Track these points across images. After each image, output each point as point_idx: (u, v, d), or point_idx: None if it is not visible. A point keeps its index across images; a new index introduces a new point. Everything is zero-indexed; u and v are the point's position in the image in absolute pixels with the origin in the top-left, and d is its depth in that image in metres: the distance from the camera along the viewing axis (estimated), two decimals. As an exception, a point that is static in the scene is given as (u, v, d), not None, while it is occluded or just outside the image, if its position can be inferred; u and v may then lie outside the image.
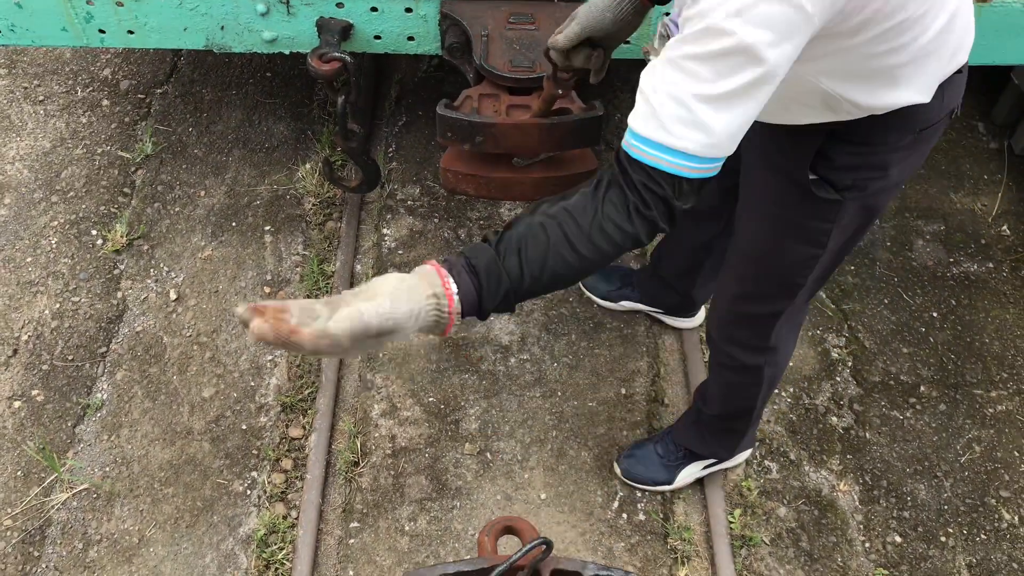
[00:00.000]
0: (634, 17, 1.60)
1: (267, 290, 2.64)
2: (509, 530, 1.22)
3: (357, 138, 2.45)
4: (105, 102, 3.12)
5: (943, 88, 1.42)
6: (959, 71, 1.44)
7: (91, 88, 3.17)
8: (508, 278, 1.17)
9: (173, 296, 2.61)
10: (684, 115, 1.14)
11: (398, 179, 2.93)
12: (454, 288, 1.14)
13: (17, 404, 2.38)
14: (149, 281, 2.65)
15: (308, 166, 2.92)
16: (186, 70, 3.24)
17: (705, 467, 2.25)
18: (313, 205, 2.84)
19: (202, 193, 2.87)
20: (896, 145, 1.47)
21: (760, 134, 1.48)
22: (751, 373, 2.00)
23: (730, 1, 1.09)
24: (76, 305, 2.59)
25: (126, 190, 2.87)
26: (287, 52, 2.48)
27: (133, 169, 2.93)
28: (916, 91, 1.37)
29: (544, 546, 1.14)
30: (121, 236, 2.72)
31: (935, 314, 2.63)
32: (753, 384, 2.04)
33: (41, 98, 3.14)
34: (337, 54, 2.26)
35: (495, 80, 2.17)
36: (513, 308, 1.24)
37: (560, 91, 1.94)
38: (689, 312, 2.56)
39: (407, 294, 1.10)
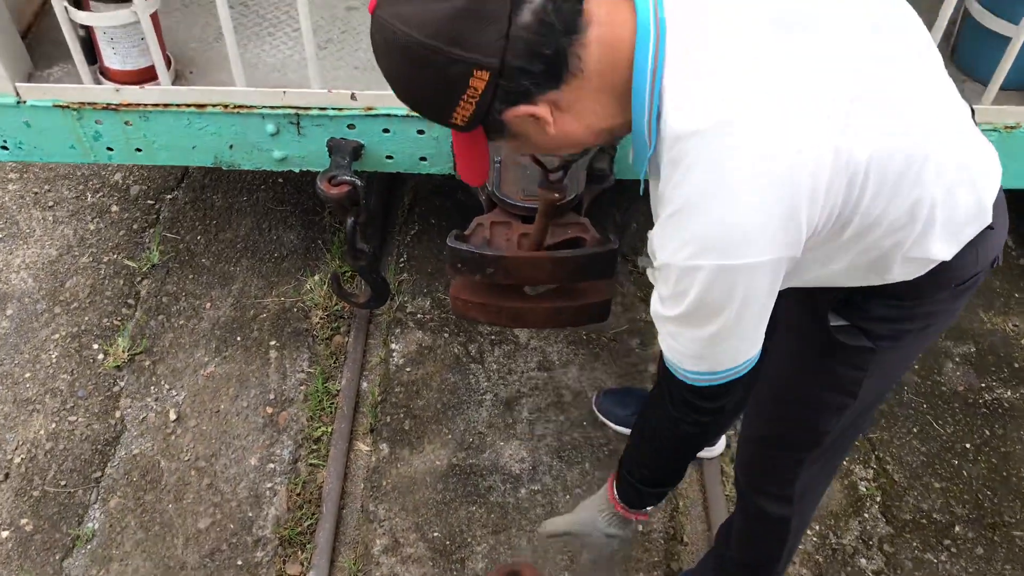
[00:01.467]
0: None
1: (269, 411, 2.55)
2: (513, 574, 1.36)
3: (367, 257, 2.40)
4: (114, 208, 3.09)
5: (975, 245, 1.33)
6: (990, 227, 1.35)
7: (101, 193, 3.15)
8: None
9: (173, 416, 2.52)
10: (709, 350, 1.22)
11: (408, 291, 2.86)
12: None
13: (5, 534, 2.28)
14: (149, 399, 2.57)
15: (317, 278, 2.86)
16: (197, 175, 3.22)
17: None
18: (320, 319, 2.76)
19: (208, 305, 2.80)
20: (934, 299, 1.38)
21: None
22: (777, 524, 1.88)
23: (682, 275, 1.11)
24: (73, 425, 2.50)
25: (130, 301, 2.82)
26: (297, 170, 2.44)
27: (139, 279, 2.87)
28: (943, 251, 1.28)
29: None
30: (123, 351, 2.65)
31: (968, 445, 2.50)
32: (779, 535, 1.91)
33: (51, 203, 3.12)
34: (347, 178, 2.21)
35: (507, 208, 2.11)
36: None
37: (557, 194, 1.87)
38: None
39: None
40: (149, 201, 3.13)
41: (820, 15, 1.15)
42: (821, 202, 1.08)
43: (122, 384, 2.60)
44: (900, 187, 1.14)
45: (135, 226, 3.04)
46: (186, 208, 3.10)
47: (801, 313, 1.50)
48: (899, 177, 1.13)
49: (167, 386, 2.60)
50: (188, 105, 2.27)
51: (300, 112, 2.27)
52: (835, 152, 1.06)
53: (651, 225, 1.19)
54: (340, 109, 2.27)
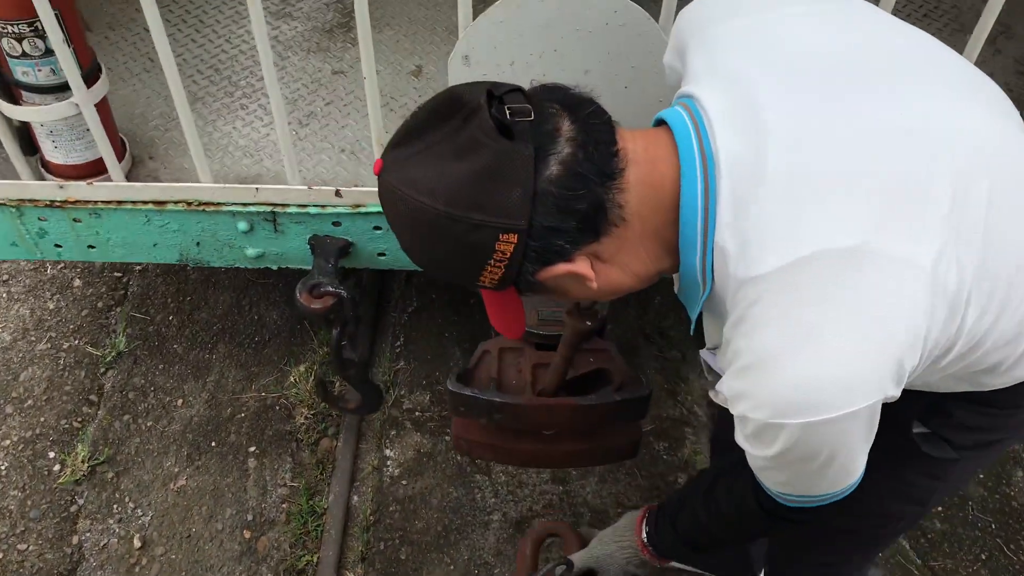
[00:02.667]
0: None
1: (247, 534, 2.24)
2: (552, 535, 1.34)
3: (355, 366, 2.08)
4: (77, 282, 2.77)
5: None
6: None
7: (62, 264, 2.82)
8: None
9: (138, 544, 2.21)
10: (802, 483, 1.08)
11: (405, 382, 2.55)
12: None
13: None
14: (111, 521, 2.26)
15: (302, 368, 2.54)
16: (170, 241, 2.89)
17: None
18: (306, 419, 2.45)
19: (180, 402, 2.49)
20: None
21: None
22: None
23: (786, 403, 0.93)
24: (23, 555, 2.19)
25: (92, 397, 2.50)
26: (275, 267, 2.12)
27: (102, 369, 2.56)
28: None
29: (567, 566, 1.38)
30: (82, 460, 2.34)
31: (1045, 577, 2.19)
32: None
33: (5, 277, 2.80)
34: (331, 289, 1.89)
35: (520, 334, 1.79)
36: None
37: (588, 323, 1.56)
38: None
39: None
40: (116, 273, 2.80)
41: (905, 69, 1.00)
42: (922, 340, 0.92)
43: (81, 502, 2.29)
44: (1009, 301, 0.97)
45: (100, 304, 2.72)
46: (157, 282, 2.78)
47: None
48: (1009, 288, 0.96)
49: (132, 504, 2.29)
50: (145, 202, 1.94)
51: (276, 210, 1.94)
52: (932, 279, 0.90)
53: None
54: (323, 207, 1.94)
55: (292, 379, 2.52)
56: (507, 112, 0.93)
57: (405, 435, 2.43)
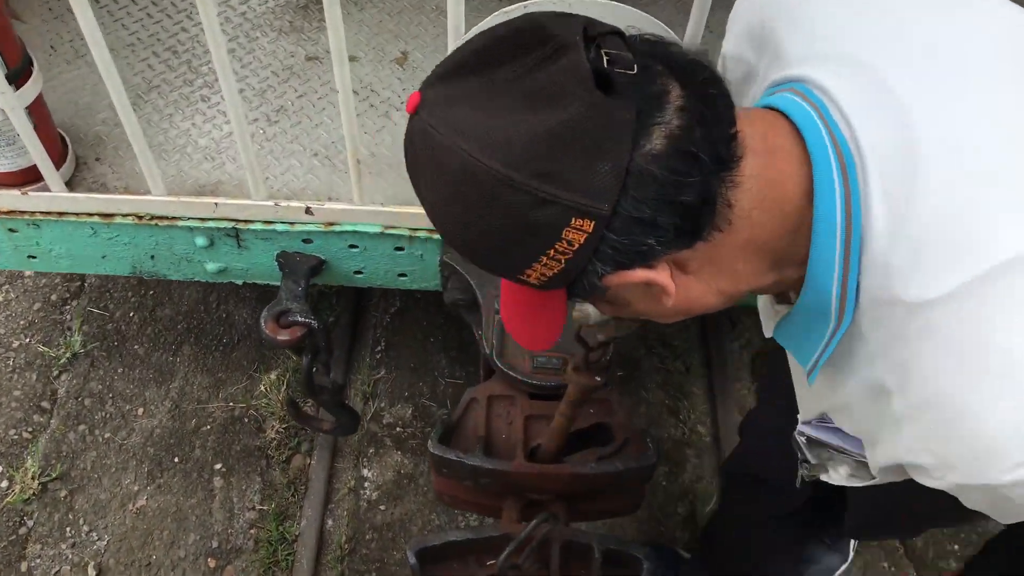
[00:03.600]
0: None
1: (212, 563, 2.07)
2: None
3: (329, 391, 1.88)
4: (28, 271, 2.54)
5: None
6: None
7: (14, 250, 2.59)
8: None
9: (92, 572, 2.04)
10: None
11: (386, 394, 2.35)
12: None
13: None
14: (64, 547, 2.08)
15: (273, 377, 2.34)
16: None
17: None
18: (277, 433, 2.26)
19: (140, 411, 2.29)
20: None
21: None
22: None
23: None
24: (-34, 586, 2.03)
25: (45, 404, 2.30)
26: (240, 283, 1.90)
27: (56, 373, 2.35)
28: None
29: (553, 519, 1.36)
30: (32, 476, 2.15)
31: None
32: None
33: (-49, 264, 2.57)
34: (300, 319, 1.68)
35: (512, 382, 1.59)
36: None
37: (599, 378, 1.37)
38: None
39: None
40: (72, 261, 2.58)
41: None
42: None
43: (30, 524, 2.11)
44: None
45: (53, 297, 2.49)
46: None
47: None
48: None
49: (87, 527, 2.11)
50: (90, 214, 1.72)
51: (239, 226, 1.72)
52: None
53: None
54: (292, 224, 1.72)
55: (262, 388, 2.32)
56: (606, 59, 0.71)
57: (385, 453, 2.25)
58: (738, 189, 0.76)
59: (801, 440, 0.96)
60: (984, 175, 0.74)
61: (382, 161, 1.80)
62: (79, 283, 2.52)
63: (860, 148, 0.75)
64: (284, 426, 2.27)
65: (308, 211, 1.68)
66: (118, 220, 1.71)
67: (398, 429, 2.30)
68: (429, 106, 0.73)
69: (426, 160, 0.75)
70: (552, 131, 0.69)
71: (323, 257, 1.79)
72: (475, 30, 0.82)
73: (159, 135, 1.83)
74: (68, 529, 2.11)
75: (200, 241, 1.75)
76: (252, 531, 2.12)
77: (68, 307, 2.48)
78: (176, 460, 2.22)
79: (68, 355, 2.37)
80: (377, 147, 1.82)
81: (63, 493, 2.16)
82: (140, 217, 1.71)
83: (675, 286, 0.79)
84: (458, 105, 0.72)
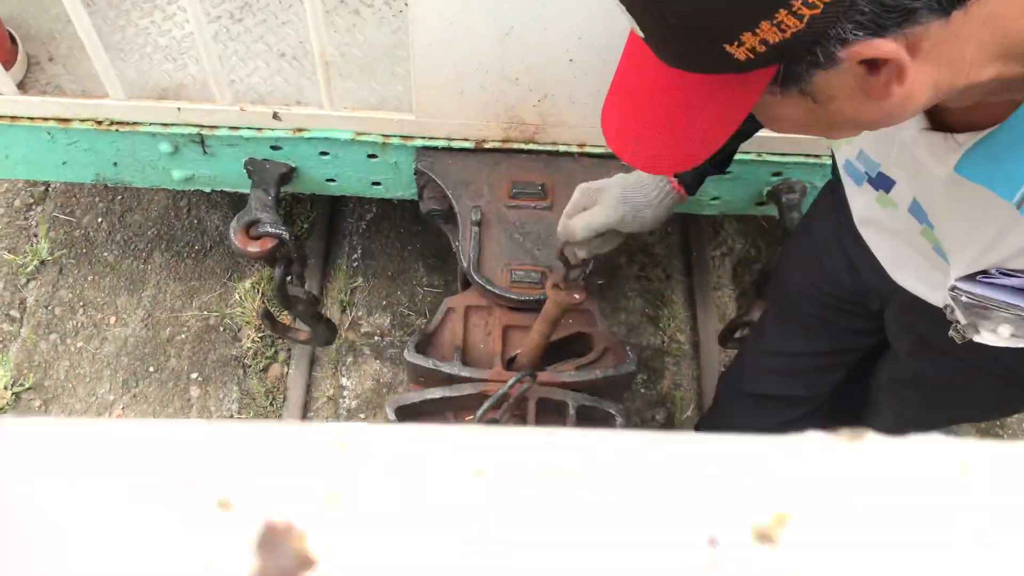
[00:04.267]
0: (670, 211, 1.29)
1: (192, 472, 2.08)
2: None
3: (303, 302, 1.85)
4: (-10, 176, 2.45)
5: None
6: None
7: (-27, 153, 2.49)
8: None
9: (70, 481, 2.04)
10: None
11: (364, 303, 2.32)
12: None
13: None
14: (40, 455, 2.08)
15: (248, 285, 2.30)
16: (96, 127, 2.55)
17: None
18: (253, 342, 2.23)
19: (112, 319, 2.25)
20: None
21: None
22: None
23: None
24: (-56, 493, 2.02)
25: (13, 312, 2.25)
26: (208, 190, 1.83)
27: (23, 281, 2.30)
28: None
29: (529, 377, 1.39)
30: (5, 387, 2.13)
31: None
32: None
33: (-93, 167, 2.46)
34: (271, 230, 1.63)
35: (489, 295, 1.56)
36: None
37: (577, 296, 1.36)
38: None
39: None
40: (35, 164, 2.48)
41: None
42: None
43: (6, 433, 2.10)
44: None
45: (17, 202, 2.41)
46: (82, 176, 2.46)
47: None
48: None
49: (63, 436, 2.10)
50: (45, 119, 1.63)
51: (204, 131, 1.64)
52: None
53: None
54: (259, 129, 1.64)
55: (237, 296, 2.28)
56: None
57: (364, 362, 2.24)
58: None
59: (959, 298, 0.90)
60: None
61: (353, 62, 1.71)
62: (43, 188, 2.43)
63: None
64: (260, 335, 2.24)
65: (275, 116, 1.61)
66: (76, 125, 1.63)
67: (376, 338, 2.28)
68: None
69: None
70: None
71: (293, 164, 1.72)
72: None
73: (115, 33, 1.73)
74: (44, 438, 2.10)
75: (164, 148, 1.67)
76: (231, 439, 2.12)
77: (33, 213, 2.40)
78: (151, 370, 2.20)
79: (36, 263, 2.31)
80: (347, 47, 1.73)
81: (37, 403, 2.14)
82: (99, 123, 1.62)
83: (911, 69, 0.65)
84: None
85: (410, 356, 1.47)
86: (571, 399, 1.46)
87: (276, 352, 2.24)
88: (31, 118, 1.62)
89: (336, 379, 2.22)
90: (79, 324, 2.25)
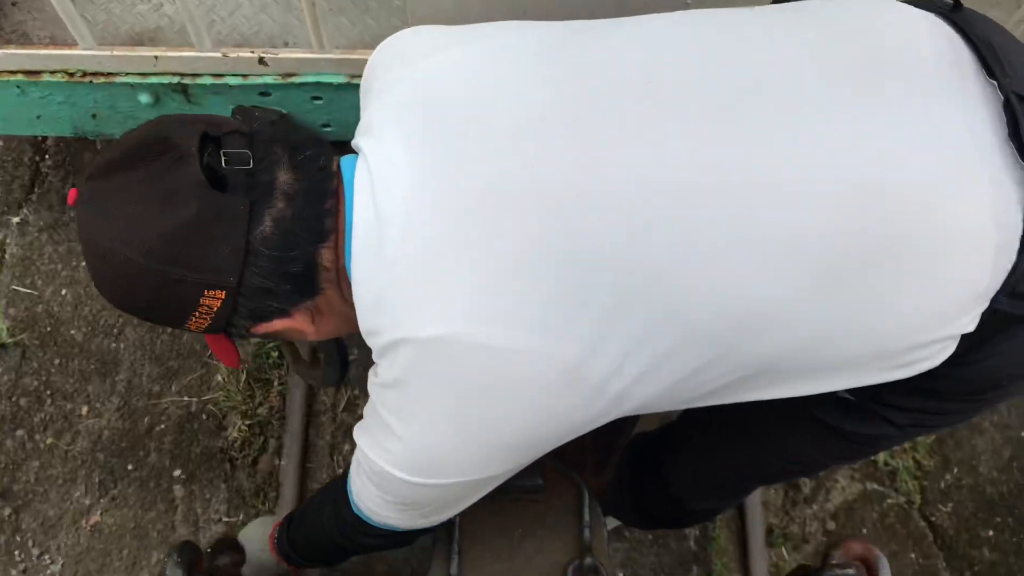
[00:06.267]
0: None
1: (180, 586, 1.89)
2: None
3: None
4: (-60, 243, 2.20)
5: None
6: None
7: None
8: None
9: (48, 603, 1.87)
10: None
11: (359, 379, 2.09)
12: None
13: None
14: (14, 573, 1.90)
15: (231, 364, 2.06)
16: (52, 179, 2.28)
17: None
18: (240, 431, 2.02)
19: (85, 409, 2.04)
20: None
21: None
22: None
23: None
24: (-88, 623, 1.86)
25: (-25, 406, 2.05)
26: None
27: (-16, 368, 2.08)
28: None
29: None
30: (-30, 496, 1.94)
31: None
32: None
33: None
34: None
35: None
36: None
37: None
38: None
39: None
40: (-11, 224, 2.23)
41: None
42: None
43: (-25, 549, 1.92)
44: None
45: (-28, 271, 2.18)
46: (42, 239, 2.21)
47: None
48: None
49: (37, 549, 1.92)
50: (12, 72, 1.45)
51: (185, 80, 1.49)
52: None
53: None
54: (245, 76, 1.47)
55: (219, 379, 2.06)
56: (223, 159, 0.85)
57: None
58: (335, 255, 0.90)
59: None
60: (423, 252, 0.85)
61: (344, -4, 1.52)
62: (-1, 255, 2.19)
63: (352, 221, 0.88)
64: (248, 423, 2.03)
65: (262, 61, 1.46)
66: (46, 78, 1.50)
67: (375, 419, 2.05)
68: (84, 201, 0.87)
69: (86, 245, 0.88)
70: (177, 227, 0.83)
71: (284, 111, 1.55)
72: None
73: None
74: (17, 552, 1.92)
75: (144, 99, 1.53)
76: (221, 546, 1.93)
77: (-10, 284, 2.17)
78: (130, 467, 1.99)
79: (-5, 346, 2.09)
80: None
81: (7, 512, 1.95)
82: (71, 74, 1.49)
83: (313, 325, 0.95)
84: (107, 201, 0.86)
85: None
86: None
87: (265, 442, 2.02)
88: (-4, 71, 1.44)
89: (332, 469, 2.01)
90: (48, 417, 2.04)
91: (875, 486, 2.01)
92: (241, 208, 0.83)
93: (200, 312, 0.88)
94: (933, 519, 1.99)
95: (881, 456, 2.01)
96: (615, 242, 0.81)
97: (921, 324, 0.88)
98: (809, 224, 0.82)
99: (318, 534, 1.28)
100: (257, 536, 1.50)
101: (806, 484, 2.01)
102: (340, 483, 1.12)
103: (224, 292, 0.86)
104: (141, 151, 0.85)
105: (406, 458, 0.91)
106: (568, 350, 0.81)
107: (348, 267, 0.88)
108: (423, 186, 0.85)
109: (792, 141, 0.82)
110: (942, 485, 2.02)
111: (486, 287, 0.82)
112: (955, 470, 2.03)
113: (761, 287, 0.82)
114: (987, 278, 0.85)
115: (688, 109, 0.84)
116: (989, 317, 0.88)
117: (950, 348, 0.90)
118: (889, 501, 2.00)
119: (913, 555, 1.96)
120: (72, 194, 0.88)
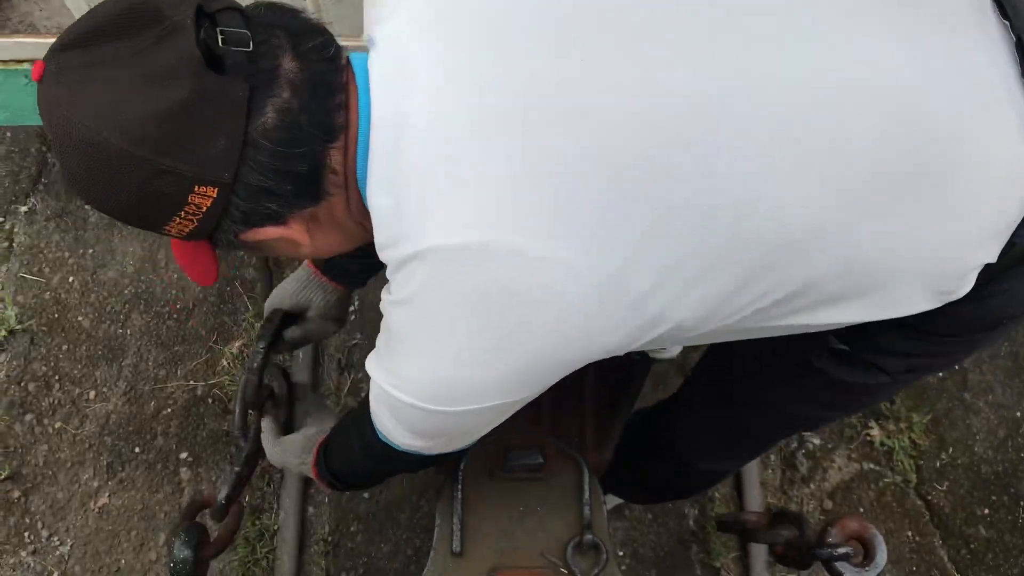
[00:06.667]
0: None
1: (187, 566, 1.92)
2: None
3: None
4: (-52, 232, 2.24)
5: None
6: None
7: (-72, 205, 2.27)
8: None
9: (57, 582, 1.90)
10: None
11: (362, 363, 2.12)
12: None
13: None
14: (24, 554, 1.93)
15: (236, 348, 2.10)
16: (57, 169, 2.31)
17: None
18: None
19: (92, 394, 2.07)
20: None
21: None
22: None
23: None
24: (-76, 603, 1.89)
25: (-16, 392, 2.08)
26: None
27: (-7, 354, 2.11)
28: None
29: None
30: (-19, 478, 1.97)
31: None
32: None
33: None
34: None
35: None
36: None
37: None
38: None
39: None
40: (-2, 216, 2.27)
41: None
42: None
43: (-15, 531, 1.95)
44: None
45: (-20, 259, 2.21)
46: (49, 228, 2.24)
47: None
48: None
49: (46, 531, 1.95)
50: (19, 61, 1.47)
51: None
52: None
53: None
54: None
55: (224, 363, 2.09)
56: (220, 38, 0.75)
57: (365, 431, 2.05)
58: (347, 153, 0.81)
59: None
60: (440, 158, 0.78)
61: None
62: (7, 243, 2.22)
63: (369, 119, 0.80)
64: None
65: None
66: None
67: (378, 403, 2.08)
68: (53, 77, 0.75)
69: (56, 129, 0.75)
70: (168, 110, 0.72)
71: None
72: None
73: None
74: (27, 534, 1.95)
75: None
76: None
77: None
78: (137, 450, 2.03)
79: (3, 332, 2.11)
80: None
81: (16, 494, 1.98)
82: None
83: (309, 236, 0.87)
84: (81, 77, 0.74)
85: None
86: None
87: (270, 424, 2.05)
88: (4, 61, 1.45)
89: (337, 452, 2.04)
90: (56, 401, 2.07)
91: (872, 466, 2.04)
92: (240, 94, 0.74)
93: (186, 212, 0.78)
94: (929, 498, 2.02)
95: (877, 436, 2.04)
96: (664, 153, 0.77)
97: (955, 251, 0.87)
98: (858, 133, 0.80)
99: (352, 462, 1.21)
100: (297, 451, 1.40)
101: (803, 464, 2.04)
102: (364, 407, 1.04)
103: (216, 189, 0.77)
104: (126, 19, 0.75)
105: (421, 384, 0.86)
106: (609, 262, 0.76)
107: (361, 171, 0.81)
108: (449, 82, 0.78)
109: (829, 52, 0.81)
110: (938, 464, 2.05)
111: (525, 193, 0.75)
112: (951, 449, 2.06)
113: (813, 198, 0.80)
114: (1014, 210, 0.86)
115: (723, 22, 0.81)
116: (1007, 250, 0.88)
117: (972, 279, 0.89)
118: (885, 480, 2.03)
119: (909, 533, 1.99)
120: (37, 67, 0.76)
